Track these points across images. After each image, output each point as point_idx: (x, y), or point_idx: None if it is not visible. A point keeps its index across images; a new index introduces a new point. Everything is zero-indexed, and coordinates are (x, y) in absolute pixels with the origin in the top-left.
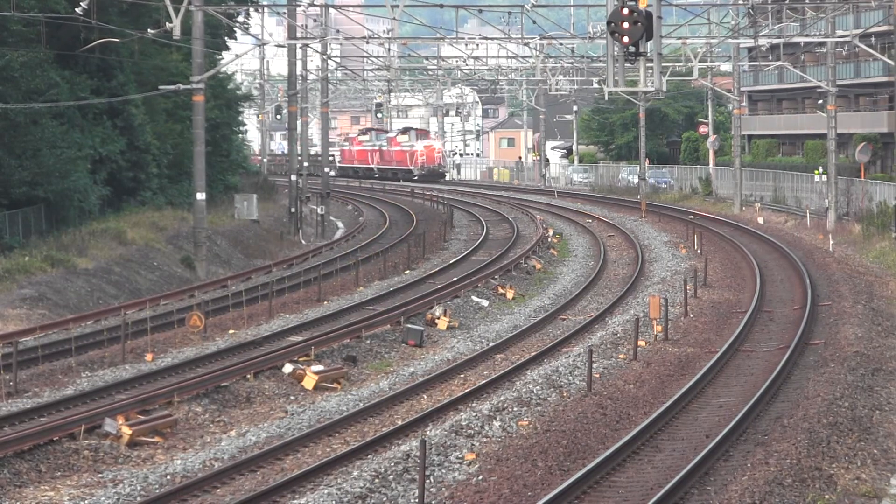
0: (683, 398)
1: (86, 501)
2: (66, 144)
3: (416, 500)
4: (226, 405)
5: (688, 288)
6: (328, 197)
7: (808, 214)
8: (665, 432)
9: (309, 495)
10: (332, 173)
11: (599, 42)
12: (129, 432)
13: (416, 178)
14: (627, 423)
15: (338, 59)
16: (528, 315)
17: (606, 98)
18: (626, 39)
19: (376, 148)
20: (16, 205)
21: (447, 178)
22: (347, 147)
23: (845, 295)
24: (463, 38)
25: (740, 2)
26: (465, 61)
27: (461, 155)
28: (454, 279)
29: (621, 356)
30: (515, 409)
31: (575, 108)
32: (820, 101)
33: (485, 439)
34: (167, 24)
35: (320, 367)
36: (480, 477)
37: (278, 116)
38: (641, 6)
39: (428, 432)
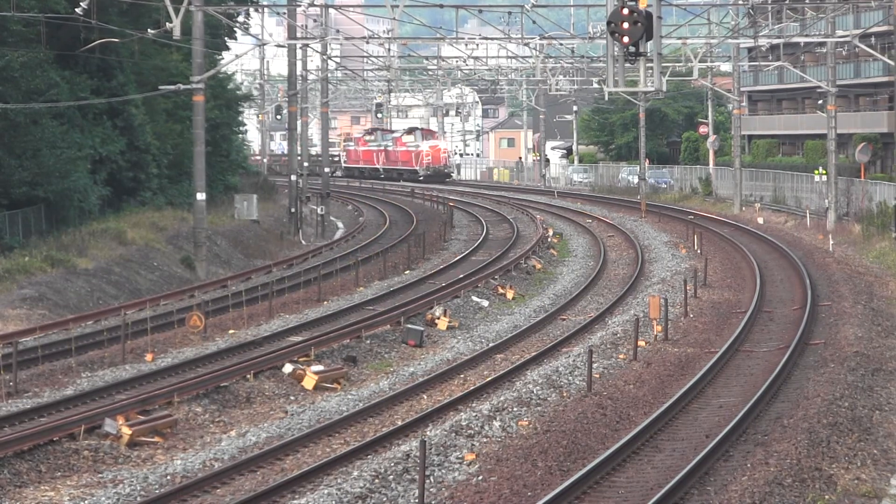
0: (683, 398)
1: (86, 501)
2: (66, 144)
3: (416, 500)
4: (226, 405)
5: (688, 288)
6: (328, 197)
7: (808, 214)
8: (665, 432)
9: (309, 495)
10: (339, 173)
11: (599, 42)
12: (129, 432)
13: (421, 178)
14: (627, 424)
15: (338, 59)
16: (528, 315)
17: (606, 98)
18: (626, 39)
19: (382, 148)
20: (16, 205)
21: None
22: (353, 147)
23: (845, 295)
24: (463, 38)
25: (740, 2)
26: (465, 61)
27: (461, 155)
28: (454, 279)
29: (621, 356)
30: (515, 409)
31: (575, 108)
32: (820, 101)
33: (485, 439)
34: (167, 24)
35: (320, 368)
36: (480, 477)
37: (278, 116)
38: (641, 6)
39: (428, 432)
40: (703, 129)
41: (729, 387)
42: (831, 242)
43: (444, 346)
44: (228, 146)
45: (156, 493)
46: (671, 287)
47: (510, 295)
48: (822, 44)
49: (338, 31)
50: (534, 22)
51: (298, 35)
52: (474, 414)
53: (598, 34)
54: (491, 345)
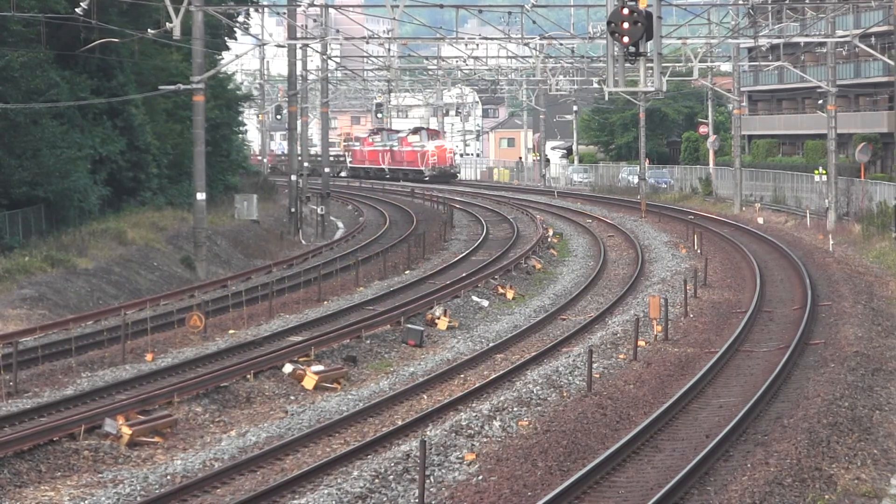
0: (683, 398)
1: (86, 501)
2: (66, 144)
3: (416, 500)
4: (226, 405)
5: (688, 288)
6: (328, 197)
7: (808, 214)
8: (665, 432)
9: (309, 495)
10: (344, 174)
11: (599, 42)
12: (129, 432)
13: (426, 178)
14: (627, 424)
15: (338, 59)
16: (528, 315)
17: (606, 98)
18: (626, 39)
19: (387, 148)
20: (16, 205)
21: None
22: (359, 147)
23: (845, 295)
24: (463, 38)
25: (740, 2)
26: (465, 61)
27: (461, 155)
28: (454, 279)
29: (621, 356)
30: (515, 409)
31: (575, 108)
32: (820, 101)
33: (485, 439)
34: (167, 24)
35: (320, 367)
36: (480, 477)
37: (278, 116)
38: (641, 6)
39: (428, 432)
40: (703, 129)
41: (729, 387)
42: (831, 242)
43: (444, 346)
44: (228, 146)
45: (156, 493)
46: (671, 287)
47: (510, 295)
48: (822, 44)
49: (338, 31)
50: (534, 22)
51: (298, 35)
52: (474, 414)
53: (598, 34)
54: (491, 345)
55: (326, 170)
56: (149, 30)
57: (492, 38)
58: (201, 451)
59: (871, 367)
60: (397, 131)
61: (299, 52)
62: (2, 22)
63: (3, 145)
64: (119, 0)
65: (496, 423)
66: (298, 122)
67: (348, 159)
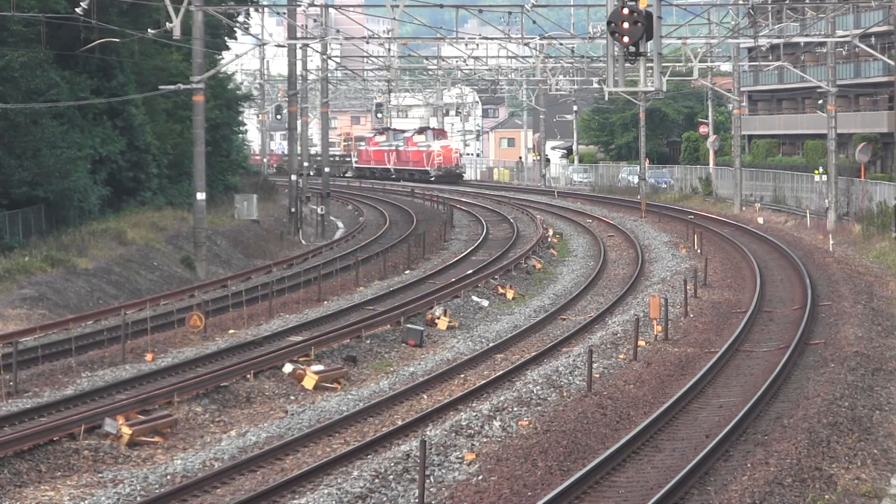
0: (683, 398)
1: (86, 501)
2: (66, 144)
3: (416, 500)
4: (226, 405)
5: (688, 288)
6: (328, 197)
7: (808, 214)
8: (665, 432)
9: (309, 495)
10: (350, 174)
11: (599, 42)
12: (129, 432)
13: (432, 178)
14: (627, 423)
15: (338, 59)
16: (528, 315)
17: (606, 98)
18: (626, 39)
19: (393, 148)
20: (16, 205)
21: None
22: (364, 147)
23: (845, 295)
24: (463, 38)
25: (740, 2)
26: (465, 61)
27: (461, 155)
28: (454, 279)
29: (621, 356)
30: (515, 409)
31: (575, 108)
32: (820, 101)
33: (485, 439)
34: (167, 24)
35: (320, 367)
36: (480, 477)
37: (278, 116)
38: (641, 6)
39: (428, 432)
40: (703, 129)
41: (729, 387)
42: (831, 242)
43: (444, 346)
44: (228, 146)
45: (156, 493)
46: (671, 287)
47: (510, 295)
48: (822, 44)
49: (338, 31)
50: (534, 22)
51: (298, 35)
52: (474, 414)
53: (598, 34)
54: (491, 345)
55: (326, 169)
56: (149, 30)
57: (492, 38)
58: (201, 451)
59: (871, 367)
60: (403, 131)
61: (299, 52)
62: (2, 22)
63: (3, 145)
64: (119, 0)
65: (496, 423)
66: (298, 122)
67: (354, 159)
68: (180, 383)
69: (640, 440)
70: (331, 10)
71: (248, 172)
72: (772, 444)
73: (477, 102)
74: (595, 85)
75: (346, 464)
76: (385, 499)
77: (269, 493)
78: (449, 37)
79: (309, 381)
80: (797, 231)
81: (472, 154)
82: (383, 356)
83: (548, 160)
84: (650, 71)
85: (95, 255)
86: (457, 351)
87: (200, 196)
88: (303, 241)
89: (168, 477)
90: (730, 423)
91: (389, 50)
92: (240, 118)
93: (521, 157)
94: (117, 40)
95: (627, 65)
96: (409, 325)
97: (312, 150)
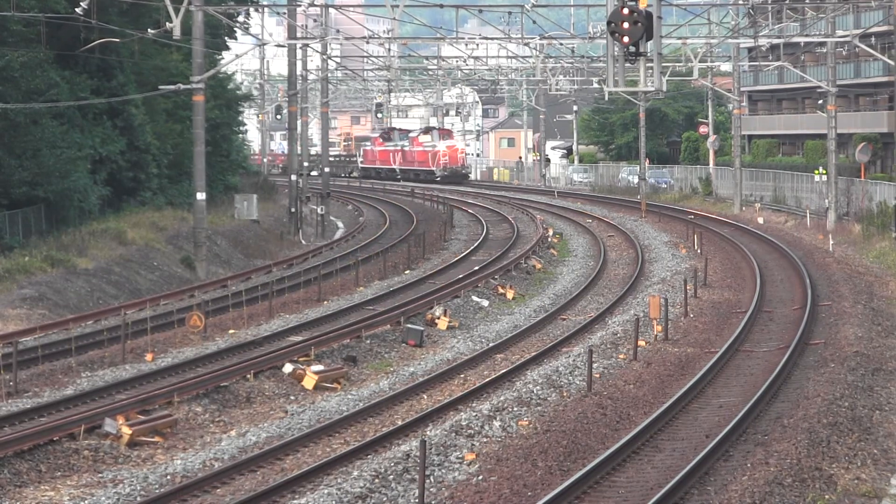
0: (683, 398)
1: (86, 501)
2: (66, 144)
3: (416, 500)
4: (226, 405)
5: (688, 288)
6: (328, 197)
7: (808, 214)
8: (665, 432)
9: (309, 495)
10: (356, 174)
11: (599, 42)
12: (129, 432)
13: (438, 179)
14: (627, 423)
15: (338, 59)
16: (528, 315)
17: (606, 98)
18: (626, 39)
19: (398, 148)
20: (16, 205)
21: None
22: (370, 147)
23: (845, 295)
24: (463, 38)
25: (740, 2)
26: (465, 61)
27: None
28: (454, 279)
29: (621, 356)
30: (515, 409)
31: (575, 108)
32: (820, 101)
33: (485, 439)
34: (167, 24)
35: (320, 367)
36: (480, 477)
37: (278, 116)
38: (641, 6)
39: (428, 432)
40: (703, 129)
41: (729, 387)
42: (831, 242)
43: (444, 346)
44: (228, 146)
45: (156, 493)
46: (671, 287)
47: (510, 295)
48: (822, 44)
49: (338, 31)
50: (534, 22)
51: (298, 35)
52: (474, 414)
53: (598, 34)
54: (491, 345)
55: (326, 169)
56: (149, 30)
57: (492, 38)
58: (201, 451)
59: (871, 367)
60: (408, 131)
61: (299, 52)
62: (2, 22)
63: (3, 145)
64: (119, 0)
65: (496, 423)
66: (298, 122)
67: (359, 159)
68: (180, 383)
69: (640, 440)
70: (331, 10)
71: (248, 172)
72: (772, 444)
73: (477, 102)
74: (595, 85)
75: (346, 464)
76: (385, 499)
77: (269, 493)
78: (449, 37)
79: (309, 381)
80: (797, 231)
81: (472, 154)
82: (383, 356)
83: (548, 160)
84: (650, 71)
85: (95, 255)
86: (457, 351)
87: (200, 196)
88: (303, 241)
89: (168, 477)
90: (730, 423)
91: (389, 50)
92: (240, 118)
93: (521, 157)
94: (117, 40)
95: (627, 65)
96: (409, 325)
97: (313, 150)
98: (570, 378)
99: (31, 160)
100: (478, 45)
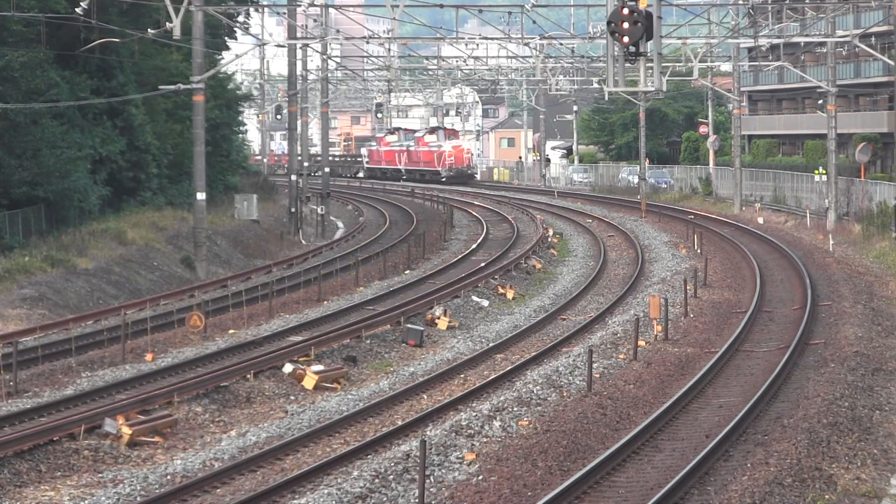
0: (683, 398)
1: (86, 501)
2: (66, 144)
3: (416, 500)
4: (226, 405)
5: (688, 288)
6: (328, 197)
7: (808, 214)
8: (665, 432)
9: (309, 495)
10: (361, 174)
11: (599, 42)
12: (129, 432)
13: (443, 179)
14: (627, 423)
15: (338, 59)
16: (528, 315)
17: (606, 98)
18: (626, 39)
19: (404, 148)
20: (16, 205)
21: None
22: (375, 147)
23: (845, 295)
24: (463, 38)
25: (740, 2)
26: (465, 61)
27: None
28: (454, 279)
29: (621, 356)
30: (515, 409)
31: (575, 108)
32: (820, 101)
33: (485, 439)
34: (167, 24)
35: (320, 367)
36: (480, 477)
37: (278, 116)
38: (641, 6)
39: (428, 432)
40: (703, 129)
41: (729, 387)
42: (831, 242)
43: (444, 346)
44: (228, 146)
45: (156, 493)
46: (671, 287)
47: (510, 295)
48: (822, 44)
49: (338, 31)
50: (534, 22)
51: (298, 35)
52: (474, 414)
53: (598, 34)
54: (491, 345)
55: (326, 170)
56: (149, 30)
57: (492, 38)
58: (201, 451)
59: (871, 367)
60: (414, 131)
61: (299, 52)
62: (2, 22)
63: (3, 145)
64: (119, 0)
65: (496, 423)
66: (298, 122)
67: (365, 160)
68: (180, 383)
69: (640, 440)
70: (331, 10)
71: (248, 172)
72: (772, 444)
73: (477, 102)
74: (595, 85)
75: (346, 464)
76: (385, 499)
77: (269, 493)
78: (449, 37)
79: (309, 381)
80: (797, 231)
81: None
82: (383, 356)
83: (548, 160)
84: (650, 71)
85: (95, 255)
86: (457, 351)
87: (200, 196)
88: (303, 241)
89: (168, 477)
90: (730, 423)
91: (389, 50)
92: (240, 118)
93: (521, 157)
94: (117, 40)
95: (627, 65)
96: (409, 325)
97: (313, 150)
98: (570, 378)
99: (31, 160)
100: (478, 45)
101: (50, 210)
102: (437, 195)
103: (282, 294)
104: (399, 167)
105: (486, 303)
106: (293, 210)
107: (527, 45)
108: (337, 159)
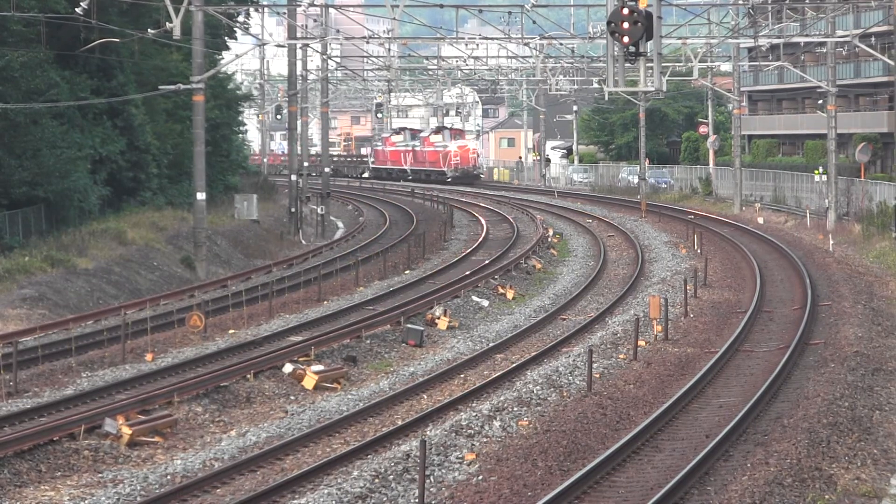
0: (683, 398)
1: (86, 501)
2: (66, 144)
3: (416, 500)
4: (226, 405)
5: (688, 288)
6: (328, 197)
7: (808, 214)
8: (665, 432)
9: (309, 495)
10: (367, 174)
11: (599, 42)
12: (129, 432)
13: (449, 180)
14: (627, 423)
15: (338, 59)
16: (528, 315)
17: (606, 98)
18: (626, 39)
19: (409, 148)
20: (16, 205)
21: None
22: (381, 147)
23: (845, 295)
24: (463, 38)
25: (740, 2)
26: (465, 61)
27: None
28: (454, 279)
29: (621, 356)
30: (515, 409)
31: (575, 108)
32: (820, 101)
33: (485, 439)
34: (167, 24)
35: (320, 367)
36: (480, 477)
37: (278, 116)
38: (641, 6)
39: (428, 432)
40: (703, 129)
41: (729, 387)
42: (831, 242)
43: (444, 346)
44: (228, 146)
45: (156, 493)
46: (671, 287)
47: (510, 295)
48: (822, 44)
49: (338, 31)
50: (534, 22)
51: (298, 35)
52: (474, 414)
53: (598, 34)
54: (491, 345)
55: (327, 169)
56: (149, 30)
57: (492, 38)
58: (201, 451)
59: (871, 367)
60: (419, 130)
61: (299, 52)
62: (2, 22)
63: (3, 145)
64: (119, 0)
65: (496, 423)
66: (298, 122)
67: (371, 160)
68: (180, 383)
69: (640, 440)
70: (331, 10)
71: (248, 172)
72: (772, 444)
73: (477, 102)
74: (595, 85)
75: (346, 464)
76: (385, 499)
77: (269, 493)
78: (449, 37)
79: (309, 381)
80: (797, 231)
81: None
82: (383, 356)
83: (548, 160)
84: (650, 71)
85: (95, 255)
86: (457, 351)
87: (200, 196)
88: (303, 241)
89: (168, 477)
90: (730, 423)
91: (389, 50)
92: (240, 118)
93: (521, 157)
94: (117, 40)
95: (627, 65)
96: (409, 325)
97: (313, 150)
98: (570, 378)
99: (31, 160)
100: (478, 45)
101: (50, 210)
102: (437, 195)
103: (282, 294)
104: (405, 167)
105: (486, 303)
106: (293, 210)
107: (527, 45)
108: (341, 159)
